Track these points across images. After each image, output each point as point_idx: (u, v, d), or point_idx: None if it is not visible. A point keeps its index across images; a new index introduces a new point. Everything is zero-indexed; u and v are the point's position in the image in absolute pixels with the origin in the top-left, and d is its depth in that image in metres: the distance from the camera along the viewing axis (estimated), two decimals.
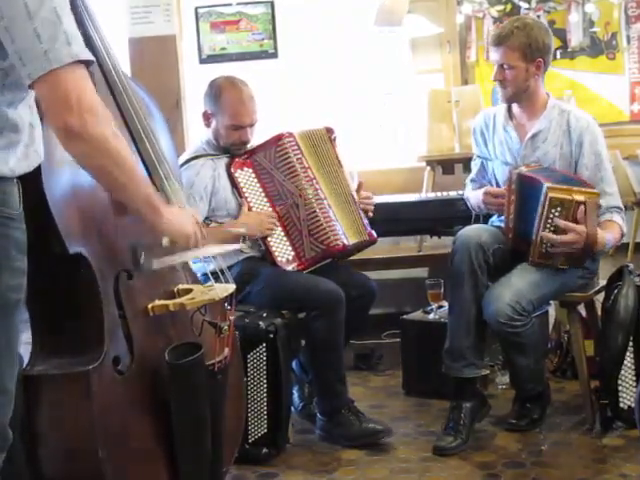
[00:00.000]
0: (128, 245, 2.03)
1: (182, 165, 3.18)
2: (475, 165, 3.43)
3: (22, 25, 1.48)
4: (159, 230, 1.96)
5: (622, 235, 3.11)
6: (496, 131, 3.29)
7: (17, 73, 1.55)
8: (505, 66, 3.10)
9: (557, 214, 2.92)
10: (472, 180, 3.44)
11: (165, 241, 2.00)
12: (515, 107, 3.24)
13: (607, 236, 3.00)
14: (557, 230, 2.92)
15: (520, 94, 3.16)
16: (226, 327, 2.17)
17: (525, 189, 3.04)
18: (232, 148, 3.26)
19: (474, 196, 3.34)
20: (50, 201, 1.80)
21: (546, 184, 2.93)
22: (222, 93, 3.23)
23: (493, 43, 3.15)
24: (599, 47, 5.81)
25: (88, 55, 1.58)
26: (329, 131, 3.41)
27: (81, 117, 1.55)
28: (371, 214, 3.40)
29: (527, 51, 3.08)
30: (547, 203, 2.92)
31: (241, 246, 2.78)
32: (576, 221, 2.90)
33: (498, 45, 3.12)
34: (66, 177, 1.88)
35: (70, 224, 1.85)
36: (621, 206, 3.14)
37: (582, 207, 2.90)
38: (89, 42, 2.01)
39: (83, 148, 1.62)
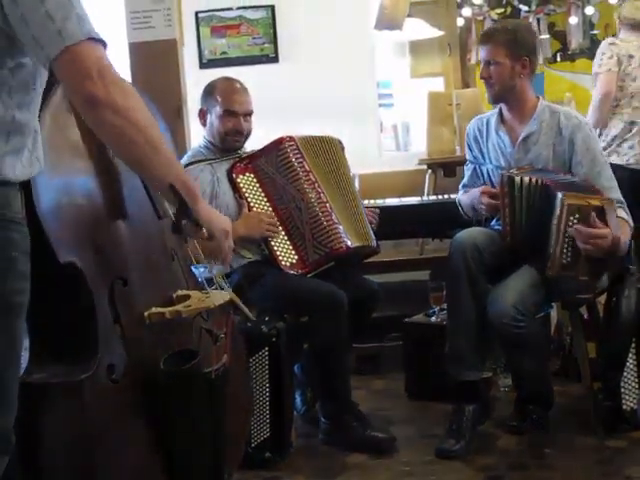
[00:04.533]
0: (124, 252, 2.01)
1: None
2: (467, 170, 3.45)
3: (34, 9, 1.50)
4: (199, 217, 1.86)
5: (631, 229, 3.07)
6: (489, 135, 3.30)
7: (24, 73, 1.57)
8: (491, 62, 3.13)
9: (575, 221, 2.87)
10: (464, 185, 3.44)
11: (205, 232, 1.90)
12: (505, 111, 3.26)
13: (623, 238, 2.94)
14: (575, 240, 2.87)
15: (506, 93, 3.17)
16: (222, 335, 2.15)
17: (537, 198, 3.01)
18: (227, 139, 3.27)
19: (468, 196, 3.33)
20: (39, 210, 1.77)
21: (560, 193, 2.89)
22: (215, 86, 3.31)
23: (480, 42, 3.23)
24: None
25: (100, 36, 1.58)
26: (340, 142, 3.45)
27: (105, 87, 1.55)
28: (374, 226, 3.42)
29: (512, 47, 3.11)
30: (564, 212, 2.87)
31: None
32: (596, 225, 2.85)
33: (484, 43, 3.18)
34: (57, 185, 1.85)
35: (61, 234, 1.82)
36: (622, 199, 3.11)
37: (600, 210, 2.86)
38: None
39: (111, 119, 1.59)
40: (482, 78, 3.20)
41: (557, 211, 2.90)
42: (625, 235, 2.97)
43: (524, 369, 3.08)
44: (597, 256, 2.88)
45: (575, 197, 2.90)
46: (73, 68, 1.54)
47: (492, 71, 3.14)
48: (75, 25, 1.53)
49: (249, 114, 3.29)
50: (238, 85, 3.31)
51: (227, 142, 3.28)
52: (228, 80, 3.35)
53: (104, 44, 1.60)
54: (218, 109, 3.25)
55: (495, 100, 3.24)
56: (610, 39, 4.38)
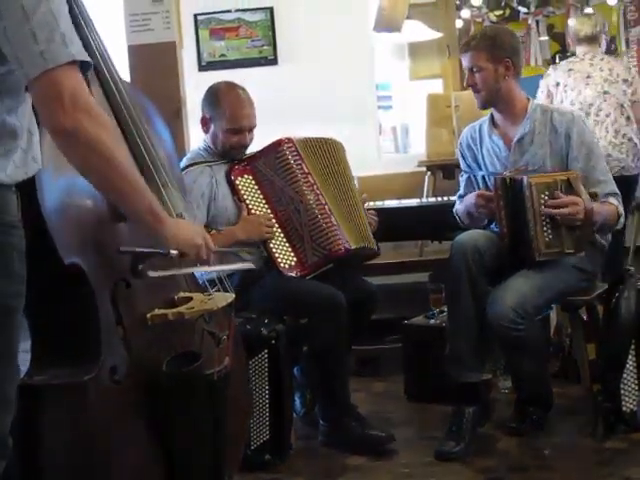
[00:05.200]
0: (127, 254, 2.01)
1: None
2: (462, 180, 3.45)
3: (19, 26, 1.48)
4: (165, 241, 1.89)
5: (619, 215, 3.11)
6: (483, 142, 3.32)
7: (14, 78, 1.55)
8: (474, 69, 3.17)
9: (547, 198, 2.94)
10: (460, 196, 3.44)
11: (174, 253, 1.92)
12: (497, 115, 3.28)
13: (602, 208, 3.03)
14: (552, 219, 2.94)
15: (493, 97, 3.20)
16: (224, 337, 2.15)
17: (510, 192, 3.05)
18: (230, 152, 3.26)
19: (463, 204, 3.32)
20: (44, 211, 1.78)
21: (525, 177, 2.97)
22: (221, 97, 3.24)
23: (461, 51, 3.29)
24: None
25: (85, 56, 1.57)
26: (342, 145, 3.45)
27: (74, 117, 1.54)
28: (373, 228, 3.41)
29: (493, 51, 3.15)
30: (534, 192, 2.94)
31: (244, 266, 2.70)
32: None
33: (465, 51, 3.22)
34: (62, 186, 1.86)
35: (65, 234, 1.83)
36: (616, 191, 3.14)
37: (567, 183, 2.94)
38: (85, 46, 2.01)
39: (77, 149, 1.60)
40: (468, 85, 3.24)
41: (527, 194, 2.95)
42: (608, 211, 3.06)
43: (523, 371, 3.08)
44: (575, 225, 2.95)
45: (540, 177, 3.00)
46: (47, 94, 1.53)
47: (476, 77, 3.17)
48: (59, 47, 1.51)
49: (254, 128, 3.28)
50: (244, 96, 3.25)
51: (229, 154, 3.27)
52: (234, 90, 3.26)
53: (88, 64, 1.58)
54: (224, 124, 3.20)
55: (484, 105, 3.27)
56: (550, 69, 4.52)
